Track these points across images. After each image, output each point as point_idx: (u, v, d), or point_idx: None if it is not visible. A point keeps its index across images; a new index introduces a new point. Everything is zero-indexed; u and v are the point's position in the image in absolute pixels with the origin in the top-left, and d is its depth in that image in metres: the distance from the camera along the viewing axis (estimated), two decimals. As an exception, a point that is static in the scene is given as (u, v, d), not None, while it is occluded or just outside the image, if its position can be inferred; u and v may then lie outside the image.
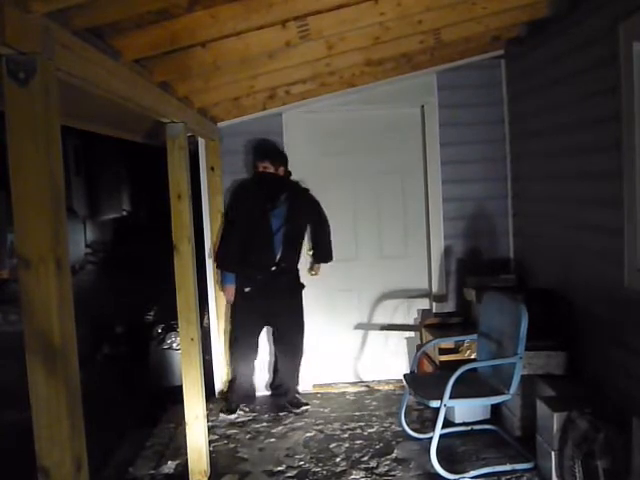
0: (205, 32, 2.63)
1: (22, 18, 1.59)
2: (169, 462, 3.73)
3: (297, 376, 4.65)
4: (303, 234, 4.65)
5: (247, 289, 4.45)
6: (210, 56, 2.91)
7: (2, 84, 1.65)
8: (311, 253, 4.75)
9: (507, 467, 3.37)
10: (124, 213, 18.49)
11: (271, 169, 4.44)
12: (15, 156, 1.67)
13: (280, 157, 4.53)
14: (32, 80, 1.63)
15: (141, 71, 2.67)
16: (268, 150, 4.58)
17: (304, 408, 4.50)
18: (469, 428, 3.89)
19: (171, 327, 5.46)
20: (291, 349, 4.55)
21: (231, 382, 4.66)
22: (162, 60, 2.74)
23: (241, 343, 4.51)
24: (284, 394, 4.60)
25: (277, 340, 4.61)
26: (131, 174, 17.62)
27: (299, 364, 4.63)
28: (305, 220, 4.63)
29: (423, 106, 4.83)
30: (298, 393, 4.67)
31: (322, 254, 4.73)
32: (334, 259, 4.73)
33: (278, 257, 4.44)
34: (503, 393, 3.40)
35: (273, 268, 4.42)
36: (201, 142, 4.67)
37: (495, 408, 3.97)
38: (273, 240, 4.41)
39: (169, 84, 3.07)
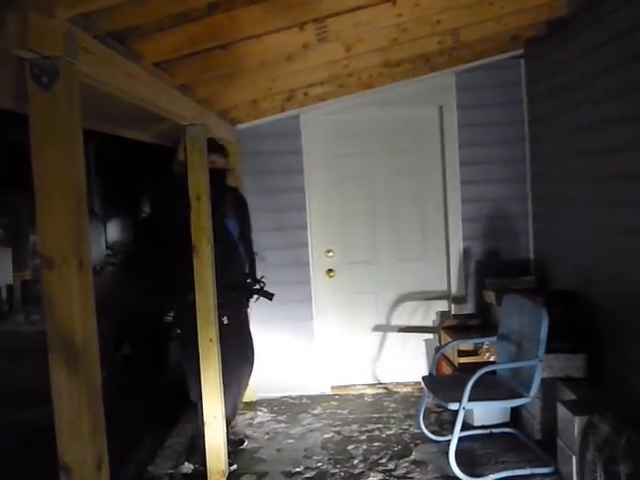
0: (224, 35, 2.65)
1: (45, 23, 1.62)
2: (187, 462, 3.75)
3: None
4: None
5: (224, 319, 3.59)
6: (229, 59, 2.92)
7: (26, 88, 1.68)
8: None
9: (527, 471, 3.35)
10: (144, 215, 18.62)
11: (220, 164, 3.77)
12: (38, 158, 1.69)
13: (224, 148, 3.89)
14: (55, 84, 1.65)
15: (161, 74, 2.69)
16: (212, 141, 3.72)
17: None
18: (488, 431, 3.87)
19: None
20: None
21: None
22: (182, 63, 2.76)
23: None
24: None
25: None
26: (151, 176, 17.73)
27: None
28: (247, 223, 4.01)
29: (441, 107, 4.82)
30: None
31: (252, 276, 4.00)
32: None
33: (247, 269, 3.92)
34: (523, 396, 3.37)
35: (248, 280, 3.90)
36: (220, 144, 4.69)
37: (515, 411, 3.94)
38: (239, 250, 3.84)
39: (189, 87, 3.09)
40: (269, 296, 3.96)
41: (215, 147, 3.76)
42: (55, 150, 1.68)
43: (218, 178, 3.68)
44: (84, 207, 1.78)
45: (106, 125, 3.56)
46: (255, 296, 3.97)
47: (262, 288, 3.95)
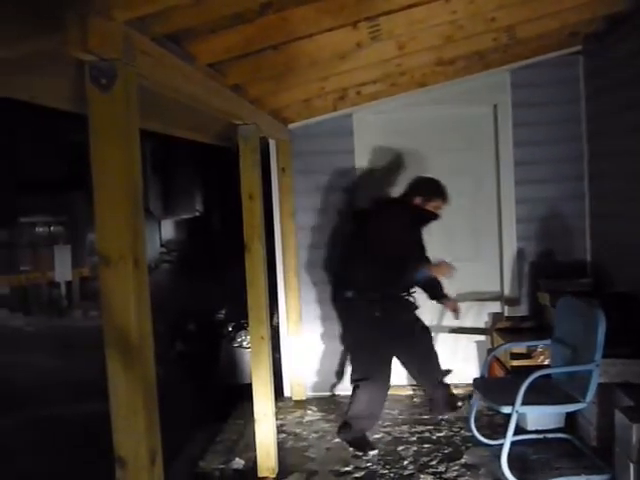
0: (277, 35, 2.67)
1: (104, 26, 1.66)
2: (237, 458, 3.80)
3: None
4: None
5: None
6: (282, 59, 2.94)
7: (84, 90, 1.73)
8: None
9: (582, 478, 3.27)
10: (197, 214, 18.95)
11: (439, 209, 4.06)
12: (97, 158, 1.74)
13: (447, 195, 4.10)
14: (113, 85, 1.69)
15: (215, 75, 2.73)
16: (440, 186, 4.07)
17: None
18: (542, 436, 3.78)
19: (241, 325, 5.57)
20: None
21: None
22: (235, 63, 2.79)
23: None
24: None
25: None
26: (204, 175, 18.02)
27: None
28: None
29: (496, 105, 4.73)
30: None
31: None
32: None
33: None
34: (578, 401, 3.28)
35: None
36: (272, 143, 4.73)
37: (570, 417, 3.83)
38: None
39: (241, 87, 3.12)
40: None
41: (443, 192, 4.03)
42: (113, 150, 1.73)
43: (427, 219, 4.05)
44: (140, 206, 1.82)
45: (163, 125, 3.64)
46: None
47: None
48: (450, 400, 4.32)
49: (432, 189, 4.05)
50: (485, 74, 4.55)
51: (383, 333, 3.87)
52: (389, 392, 3.89)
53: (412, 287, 4.14)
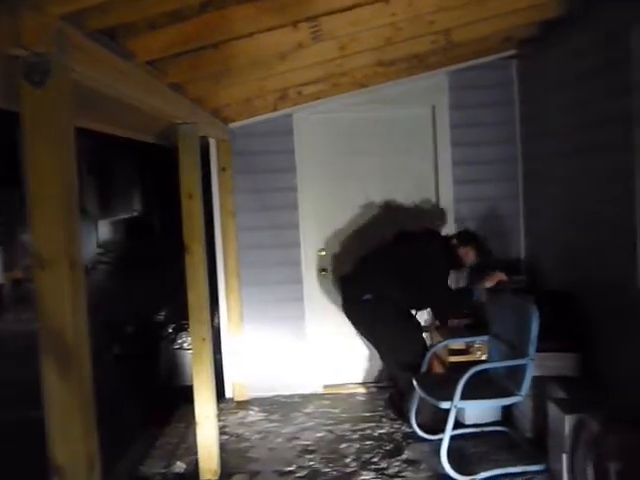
0: (217, 33, 2.64)
1: (37, 20, 1.60)
2: (179, 462, 3.74)
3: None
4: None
5: None
6: (222, 57, 2.91)
7: (17, 86, 1.67)
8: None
9: (518, 469, 3.36)
10: (135, 213, 18.60)
11: (469, 259, 4.32)
12: (30, 157, 1.68)
13: (482, 245, 4.38)
14: (47, 82, 1.64)
15: (154, 72, 2.68)
16: (480, 240, 4.35)
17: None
18: (480, 430, 3.88)
19: (182, 327, 5.49)
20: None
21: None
22: (175, 61, 2.74)
23: None
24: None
25: None
26: (143, 174, 17.69)
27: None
28: None
29: (434, 107, 4.83)
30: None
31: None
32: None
33: None
34: (514, 394, 3.38)
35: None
36: (212, 142, 4.69)
37: (506, 410, 3.95)
38: None
39: (181, 85, 3.08)
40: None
41: (478, 243, 4.30)
42: (47, 148, 1.67)
43: (454, 262, 4.29)
44: (76, 207, 1.77)
45: (100, 124, 3.54)
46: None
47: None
48: (401, 405, 4.27)
49: (468, 236, 4.35)
50: (424, 76, 4.63)
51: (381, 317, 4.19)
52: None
53: (463, 307, 4.43)
